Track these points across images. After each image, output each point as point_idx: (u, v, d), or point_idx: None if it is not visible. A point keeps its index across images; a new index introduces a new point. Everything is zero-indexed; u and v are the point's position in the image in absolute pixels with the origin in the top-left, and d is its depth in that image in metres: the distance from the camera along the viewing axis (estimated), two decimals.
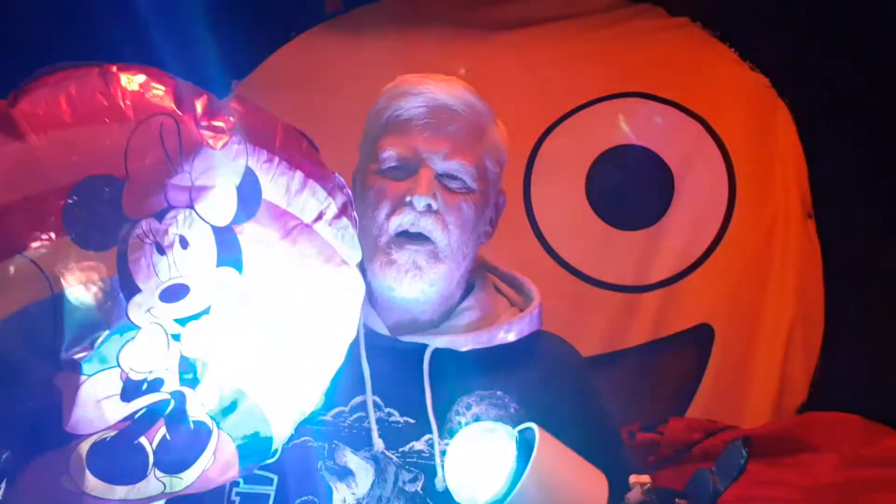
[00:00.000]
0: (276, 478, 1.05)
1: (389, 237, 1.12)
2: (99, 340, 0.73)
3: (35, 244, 0.71)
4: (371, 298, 1.17)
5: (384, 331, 1.17)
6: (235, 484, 1.05)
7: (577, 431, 1.08)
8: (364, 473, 1.07)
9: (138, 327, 0.75)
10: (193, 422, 0.82)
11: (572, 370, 1.24)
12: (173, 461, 0.82)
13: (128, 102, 0.76)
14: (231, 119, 0.82)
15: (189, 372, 0.80)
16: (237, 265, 0.80)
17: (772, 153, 2.18)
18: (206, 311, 0.79)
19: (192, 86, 0.82)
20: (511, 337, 1.18)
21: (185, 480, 0.83)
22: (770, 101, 2.18)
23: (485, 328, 1.18)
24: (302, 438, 1.07)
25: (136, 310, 0.75)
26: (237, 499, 1.05)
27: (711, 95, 2.20)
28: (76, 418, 0.74)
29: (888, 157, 2.08)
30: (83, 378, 0.73)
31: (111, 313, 0.74)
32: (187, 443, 0.82)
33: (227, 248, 0.79)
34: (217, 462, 0.85)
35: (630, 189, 2.18)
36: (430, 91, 1.16)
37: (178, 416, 0.80)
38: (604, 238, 2.18)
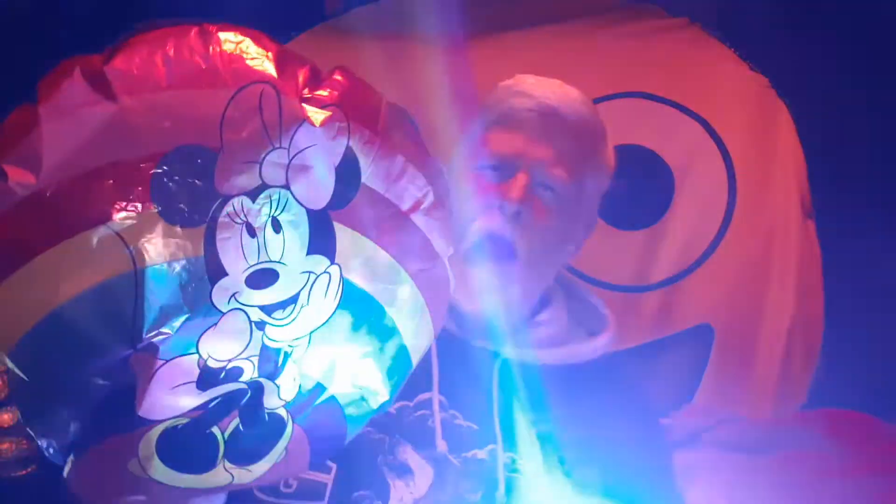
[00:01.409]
0: (335, 466, 1.01)
1: (471, 242, 1.07)
2: (179, 324, 0.69)
3: (120, 215, 0.66)
4: None
5: (456, 329, 1.12)
6: None
7: (638, 462, 1.09)
8: (423, 474, 1.03)
9: (221, 313, 0.70)
10: (268, 414, 0.78)
11: (639, 397, 1.21)
12: (244, 453, 0.78)
13: (227, 67, 0.71)
14: (335, 92, 0.76)
15: (270, 362, 0.75)
16: (330, 253, 0.75)
17: (772, 153, 2.18)
18: (294, 300, 0.74)
19: (294, 53, 0.77)
20: (582, 359, 1.15)
21: (254, 473, 0.80)
22: (770, 101, 2.18)
23: (557, 346, 1.14)
24: (364, 429, 1.05)
25: (221, 294, 0.70)
26: (295, 482, 1.00)
27: (711, 95, 2.20)
28: (149, 403, 0.70)
29: (888, 157, 2.08)
30: (160, 362, 0.69)
31: (194, 296, 0.69)
32: (260, 435, 0.78)
33: (321, 235, 0.74)
34: (289, 456, 0.81)
35: (630, 189, 2.18)
36: (546, 96, 1.11)
37: (253, 408, 0.76)
38: (604, 238, 2.18)
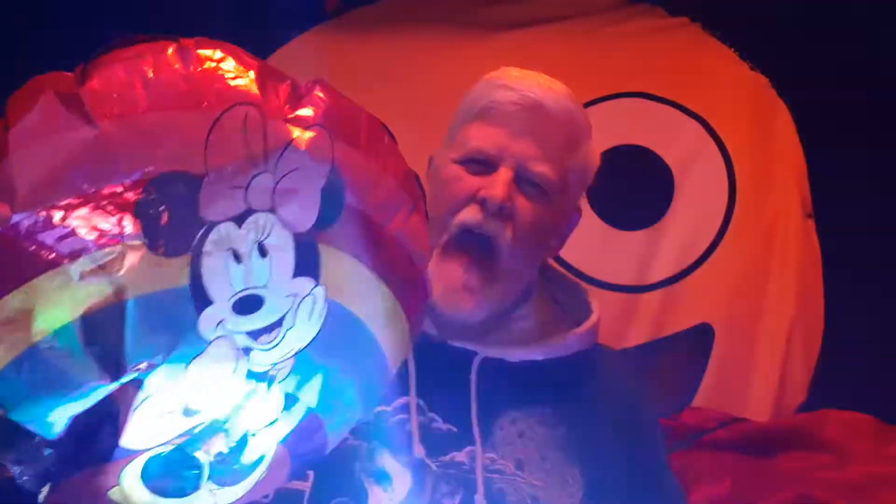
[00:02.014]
0: (312, 474, 1.00)
1: (451, 235, 1.05)
2: (164, 355, 0.67)
3: (102, 245, 0.64)
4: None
5: (433, 331, 1.10)
6: None
7: (626, 462, 1.06)
8: (402, 480, 1.01)
9: (208, 341, 0.68)
10: (251, 434, 0.76)
11: (628, 394, 1.17)
12: (228, 474, 0.76)
13: (209, 87, 0.68)
14: (318, 110, 0.74)
15: (254, 385, 0.73)
16: (314, 274, 0.73)
17: (772, 153, 2.18)
18: (279, 324, 0.72)
19: (273, 68, 0.74)
20: (566, 352, 1.11)
21: (237, 493, 0.78)
22: (770, 101, 2.18)
23: (539, 340, 1.11)
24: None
25: (207, 323, 0.68)
26: (271, 493, 0.98)
27: (711, 95, 2.20)
28: (133, 433, 0.68)
29: (888, 157, 2.08)
30: (144, 394, 0.67)
31: (180, 326, 0.67)
32: (245, 458, 0.76)
33: (306, 256, 0.72)
34: (270, 474, 0.80)
35: (630, 189, 2.18)
36: (531, 89, 1.08)
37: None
38: (604, 238, 2.18)
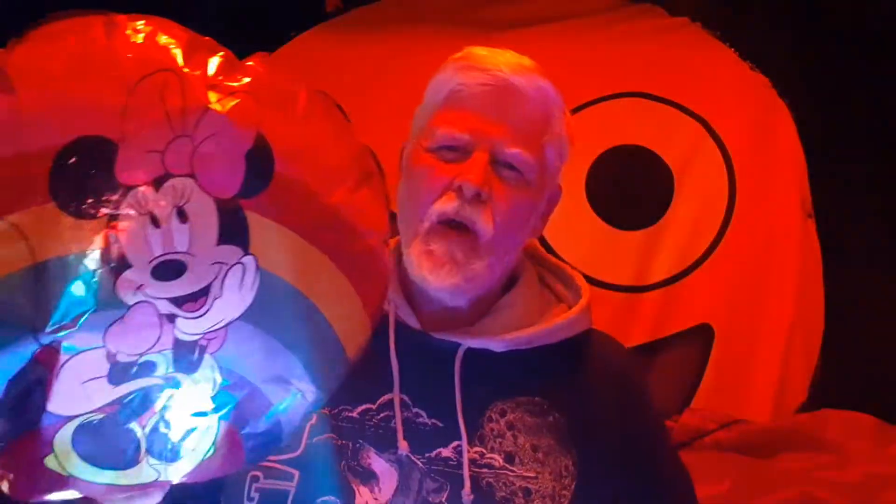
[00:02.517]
0: (296, 474, 0.99)
1: (431, 223, 1.02)
2: (83, 317, 0.68)
3: (19, 208, 0.65)
4: (405, 289, 1.08)
5: (416, 325, 1.08)
6: (255, 479, 0.99)
7: (623, 450, 1.04)
8: (388, 477, 0.99)
9: (127, 306, 0.69)
10: (191, 410, 0.77)
11: (621, 377, 1.13)
12: (168, 449, 0.77)
13: (129, 56, 0.69)
14: (246, 79, 0.74)
15: (185, 357, 0.74)
16: (242, 243, 0.73)
17: (772, 153, 2.18)
18: (205, 292, 0.72)
19: (210, 42, 0.75)
20: (554, 338, 1.08)
21: (182, 469, 0.79)
22: (770, 101, 2.19)
23: (524, 328, 1.08)
24: (326, 435, 1.01)
25: (125, 286, 0.69)
26: (256, 495, 0.99)
27: (711, 95, 2.20)
28: (60, 398, 0.69)
29: (888, 157, 2.08)
30: (64, 356, 0.68)
31: (98, 289, 0.68)
32: (183, 431, 0.77)
33: (231, 224, 0.72)
34: (219, 452, 0.80)
35: (630, 189, 2.18)
36: (499, 68, 1.03)
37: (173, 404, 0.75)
38: (604, 238, 2.18)
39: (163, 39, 0.71)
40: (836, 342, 2.11)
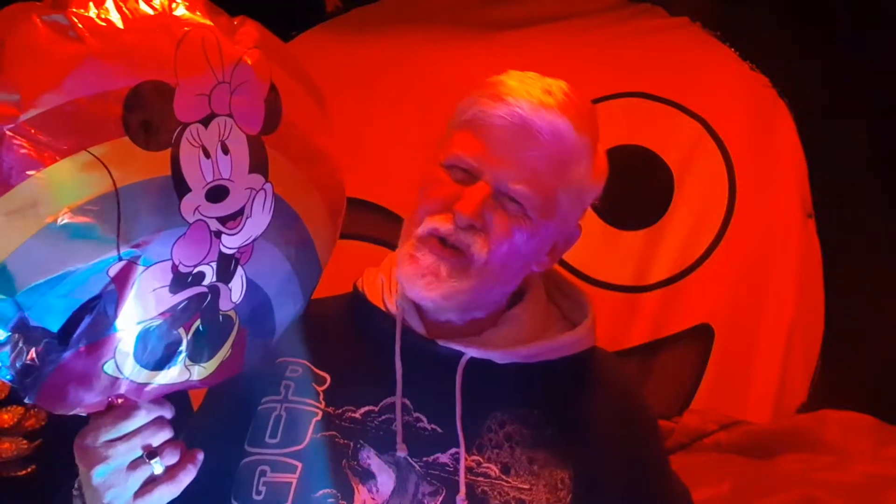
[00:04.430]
0: (299, 466, 1.02)
1: (424, 233, 1.04)
2: (156, 234, 0.79)
3: (98, 142, 0.76)
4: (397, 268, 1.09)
5: (422, 331, 1.10)
6: (263, 474, 1.03)
7: (623, 468, 1.05)
8: (386, 479, 1.01)
9: (188, 223, 0.81)
10: (222, 315, 0.89)
11: (623, 397, 1.14)
12: (201, 350, 0.88)
13: (172, 14, 0.81)
14: (253, 36, 0.88)
15: (224, 268, 0.86)
16: (264, 172, 0.87)
17: (772, 153, 2.18)
18: (241, 212, 0.86)
19: (211, 4, 0.87)
20: (555, 355, 1.09)
21: (208, 369, 0.90)
22: (770, 101, 2.19)
23: (527, 343, 1.09)
24: (329, 433, 1.04)
25: (187, 207, 0.81)
26: (264, 489, 1.02)
27: (711, 95, 2.21)
28: (130, 307, 0.80)
29: (888, 157, 2.08)
30: (141, 269, 0.79)
31: (166, 209, 0.80)
32: (216, 334, 0.89)
33: (257, 156, 0.86)
34: (233, 354, 0.92)
35: (630, 189, 2.18)
36: (519, 104, 1.03)
37: (212, 309, 0.87)
38: (604, 238, 2.18)
39: (185, 4, 0.84)
40: (836, 342, 2.11)
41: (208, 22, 0.84)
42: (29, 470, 1.67)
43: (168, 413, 0.90)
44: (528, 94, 1.05)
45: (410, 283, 1.04)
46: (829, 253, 2.14)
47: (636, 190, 2.19)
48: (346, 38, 2.26)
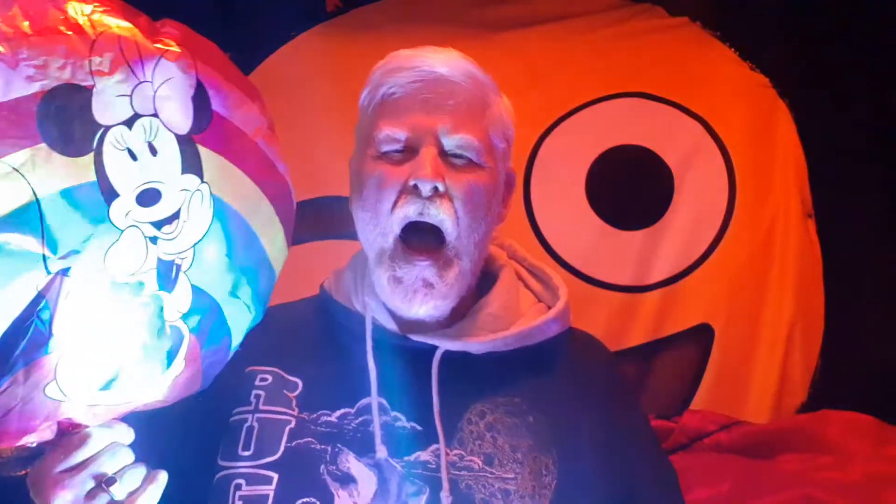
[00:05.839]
0: (275, 476, 1.00)
1: (395, 239, 1.02)
2: (86, 244, 0.76)
3: (14, 150, 0.73)
4: (380, 291, 1.08)
5: (393, 327, 1.08)
6: (238, 487, 1.00)
7: (607, 447, 1.04)
8: (367, 482, 0.99)
9: (121, 230, 0.78)
10: (169, 326, 0.85)
11: (604, 376, 1.14)
12: (150, 366, 0.84)
13: (83, 16, 0.79)
14: (176, 35, 0.86)
15: (166, 275, 0.83)
16: (198, 172, 0.85)
17: (772, 153, 2.18)
18: (177, 216, 0.83)
19: (128, 6, 0.85)
20: (532, 340, 1.09)
21: (161, 386, 0.87)
22: (770, 101, 2.18)
23: (502, 331, 1.08)
24: (305, 440, 1.02)
25: (118, 213, 0.78)
26: (240, 503, 1.00)
27: (711, 95, 2.20)
28: (65, 323, 0.76)
29: (888, 157, 2.08)
30: (72, 281, 0.76)
31: (95, 217, 0.76)
32: (164, 348, 0.85)
33: (189, 156, 0.84)
34: (187, 369, 0.88)
35: (630, 189, 2.18)
36: (426, 63, 1.05)
37: (157, 320, 0.84)
38: (604, 238, 2.18)
39: (102, 6, 0.81)
40: (836, 342, 2.11)
41: (125, 23, 0.81)
42: (29, 470, 1.76)
43: (125, 437, 0.86)
44: (428, 53, 1.07)
45: (407, 304, 1.04)
46: (829, 253, 2.14)
47: (636, 190, 2.19)
48: (346, 38, 2.26)
